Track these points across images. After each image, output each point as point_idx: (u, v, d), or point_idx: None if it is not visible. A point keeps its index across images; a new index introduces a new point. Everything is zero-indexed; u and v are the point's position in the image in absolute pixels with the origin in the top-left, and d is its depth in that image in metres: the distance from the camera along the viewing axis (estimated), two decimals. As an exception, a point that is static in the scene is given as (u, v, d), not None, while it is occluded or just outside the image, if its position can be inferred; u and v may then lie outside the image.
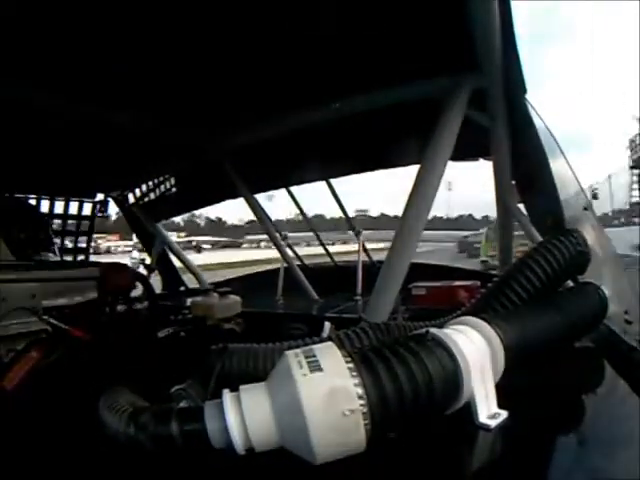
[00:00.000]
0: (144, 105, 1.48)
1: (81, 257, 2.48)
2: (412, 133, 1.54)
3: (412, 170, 1.26)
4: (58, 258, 1.77)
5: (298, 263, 2.59)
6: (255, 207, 2.20)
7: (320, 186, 2.39)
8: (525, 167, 1.35)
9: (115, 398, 0.57)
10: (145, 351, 0.97)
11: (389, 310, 1.10)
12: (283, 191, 2.52)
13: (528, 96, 1.26)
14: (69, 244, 2.45)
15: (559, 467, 0.53)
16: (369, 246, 2.85)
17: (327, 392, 0.46)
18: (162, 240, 2.55)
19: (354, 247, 2.64)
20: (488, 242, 14.88)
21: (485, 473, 0.53)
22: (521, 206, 1.47)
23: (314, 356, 0.49)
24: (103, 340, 0.97)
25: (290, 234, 2.71)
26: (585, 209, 1.37)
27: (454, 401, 0.56)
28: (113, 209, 2.64)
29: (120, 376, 0.67)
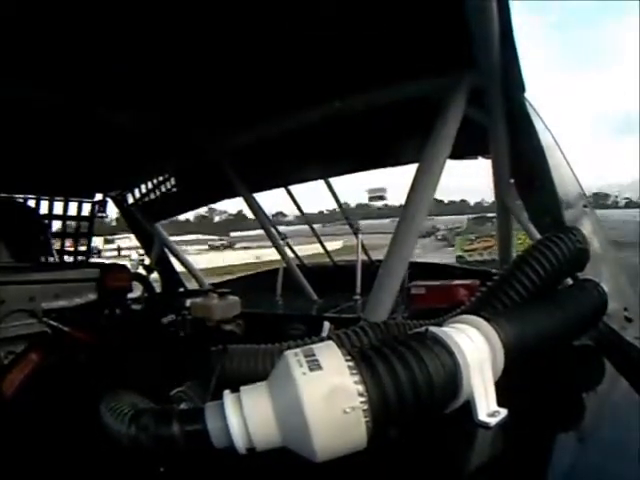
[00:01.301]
0: (143, 105, 1.48)
1: (81, 258, 2.47)
2: (411, 132, 1.54)
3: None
4: (57, 260, 1.77)
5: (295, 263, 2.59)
6: (254, 207, 2.20)
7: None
8: (524, 165, 1.35)
9: (116, 400, 0.57)
10: (146, 352, 0.97)
11: (388, 309, 1.10)
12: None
13: (527, 94, 1.26)
14: (68, 244, 2.45)
15: (559, 465, 0.53)
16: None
17: (327, 390, 0.46)
18: (161, 241, 2.54)
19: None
20: (465, 235, 12.48)
21: (484, 471, 0.53)
22: (520, 204, 1.47)
23: (313, 355, 0.49)
24: (105, 341, 0.97)
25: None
26: (585, 206, 1.37)
27: (454, 399, 0.57)
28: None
29: (122, 377, 0.67)
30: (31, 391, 0.79)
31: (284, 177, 2.35)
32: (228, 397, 0.50)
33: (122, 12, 0.96)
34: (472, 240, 11.75)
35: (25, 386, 0.80)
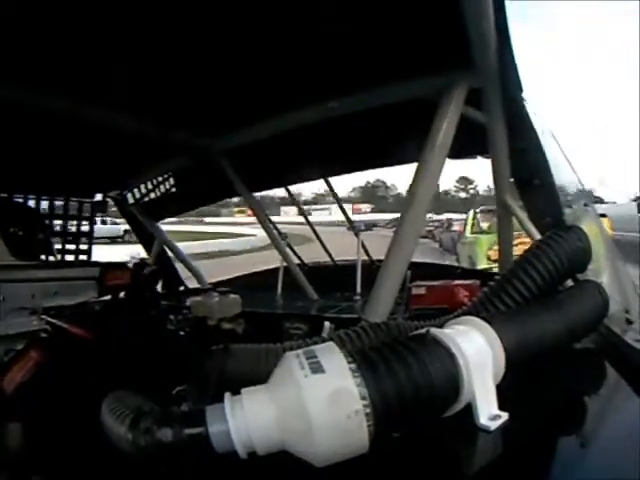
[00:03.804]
0: (143, 105, 1.48)
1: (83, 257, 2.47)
2: (410, 132, 1.54)
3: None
4: (58, 258, 1.76)
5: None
6: (254, 206, 2.20)
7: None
8: (524, 165, 1.35)
9: (117, 401, 0.56)
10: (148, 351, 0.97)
11: (389, 310, 1.10)
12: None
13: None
14: (67, 242, 2.45)
15: (560, 469, 0.53)
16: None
17: (330, 393, 0.46)
18: (162, 240, 2.55)
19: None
20: (490, 233, 7.02)
21: (485, 475, 0.53)
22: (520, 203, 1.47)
23: (315, 357, 0.49)
24: (106, 339, 0.97)
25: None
26: (585, 205, 1.37)
27: (455, 402, 0.56)
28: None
29: (123, 377, 0.67)
30: (31, 389, 0.79)
31: (284, 176, 2.35)
32: (229, 399, 0.50)
33: (121, 12, 0.95)
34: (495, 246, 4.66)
35: (25, 384, 0.80)
